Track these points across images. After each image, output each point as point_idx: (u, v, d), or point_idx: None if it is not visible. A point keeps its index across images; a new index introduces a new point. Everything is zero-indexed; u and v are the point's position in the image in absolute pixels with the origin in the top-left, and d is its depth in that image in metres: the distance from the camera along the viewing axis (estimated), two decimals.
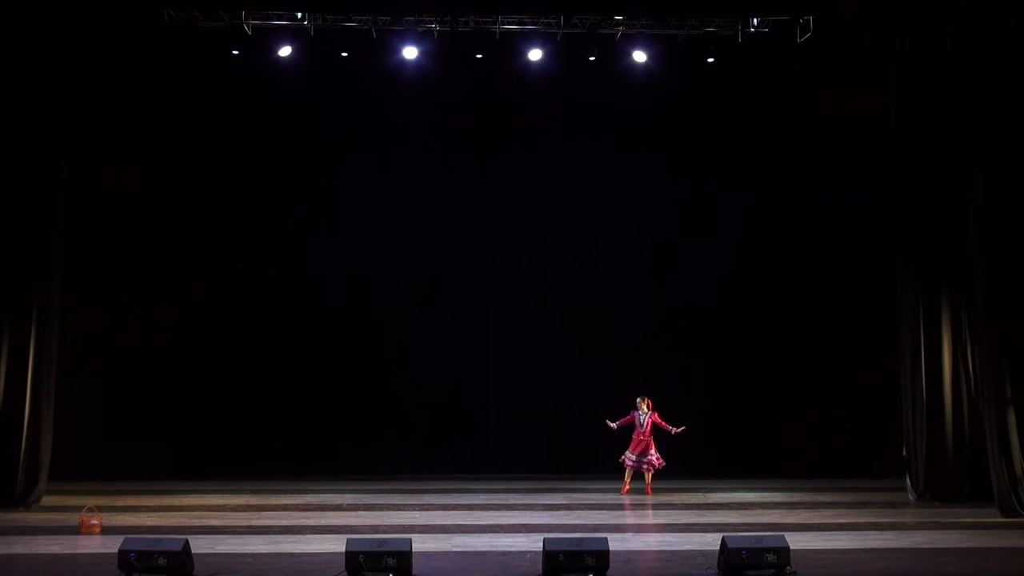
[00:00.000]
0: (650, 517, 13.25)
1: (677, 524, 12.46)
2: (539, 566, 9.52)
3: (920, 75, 14.25)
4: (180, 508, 13.60)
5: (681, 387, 17.46)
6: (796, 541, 10.02)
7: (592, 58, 16.40)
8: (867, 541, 11.16)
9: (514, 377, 17.47)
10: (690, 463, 16.83)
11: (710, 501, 14.36)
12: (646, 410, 15.33)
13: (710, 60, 16.53)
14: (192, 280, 17.23)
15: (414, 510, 13.65)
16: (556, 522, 12.52)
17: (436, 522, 12.60)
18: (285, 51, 16.16)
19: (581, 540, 9.57)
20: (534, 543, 10.42)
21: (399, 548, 9.32)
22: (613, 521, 12.61)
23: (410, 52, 16.28)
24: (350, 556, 9.25)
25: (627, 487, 15.17)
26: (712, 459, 16.96)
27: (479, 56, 16.34)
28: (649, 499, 14.70)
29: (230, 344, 17.06)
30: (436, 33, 16.10)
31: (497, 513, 13.38)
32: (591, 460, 17.10)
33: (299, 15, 15.77)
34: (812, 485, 15.63)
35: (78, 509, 12.08)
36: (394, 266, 17.52)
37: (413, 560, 9.36)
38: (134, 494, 14.63)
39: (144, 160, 17.08)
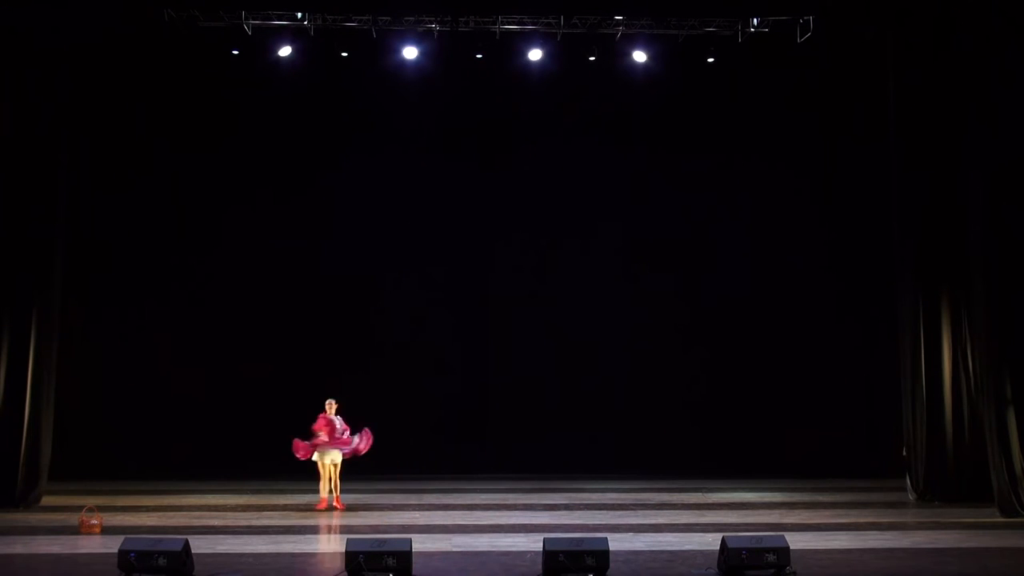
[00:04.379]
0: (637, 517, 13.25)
1: (677, 524, 12.45)
2: (539, 566, 9.52)
3: (920, 75, 14.25)
4: (180, 508, 13.60)
5: (681, 386, 17.48)
6: (796, 541, 10.02)
7: (592, 58, 16.42)
8: (867, 541, 11.16)
9: (515, 377, 17.48)
10: (690, 463, 16.87)
11: (710, 501, 14.36)
12: (333, 414, 13.83)
13: (710, 60, 16.55)
14: (192, 280, 17.23)
15: (414, 510, 13.66)
16: (556, 522, 12.52)
17: (436, 522, 12.60)
18: (285, 51, 16.18)
19: (581, 540, 9.58)
20: (534, 543, 10.42)
21: (399, 548, 9.33)
22: (613, 521, 12.61)
23: (410, 52, 16.30)
24: (350, 556, 9.25)
25: (324, 502, 13.61)
26: (712, 459, 16.97)
27: (479, 56, 16.35)
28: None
29: (230, 344, 17.07)
30: (436, 33, 16.12)
31: (497, 513, 13.38)
32: (591, 460, 17.13)
33: (299, 15, 15.80)
34: (812, 485, 15.62)
35: (78, 509, 12.08)
36: (394, 266, 17.53)
37: (413, 560, 9.36)
38: (134, 494, 14.63)
39: (143, 160, 17.08)
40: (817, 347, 17.34)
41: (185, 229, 17.22)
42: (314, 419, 13.50)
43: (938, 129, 14.14)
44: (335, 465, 13.67)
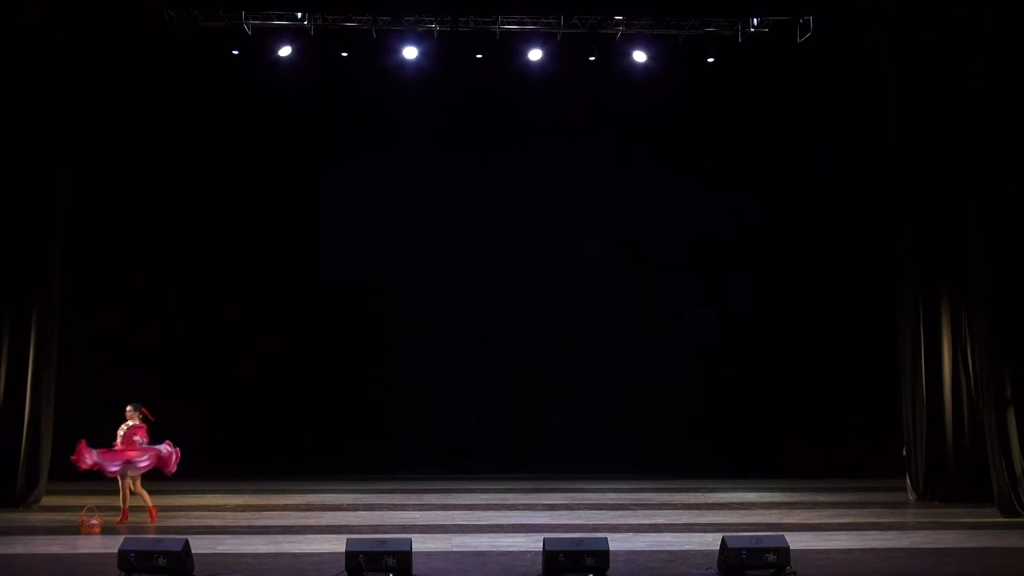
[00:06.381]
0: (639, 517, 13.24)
1: (677, 524, 12.45)
2: (539, 566, 9.53)
3: (920, 75, 14.25)
4: (180, 508, 13.59)
5: (681, 386, 17.48)
6: (796, 541, 10.02)
7: (592, 58, 16.43)
8: (867, 541, 11.16)
9: (514, 377, 17.47)
10: (690, 463, 16.86)
11: (710, 501, 14.36)
12: (135, 421, 12.44)
13: (710, 60, 16.55)
14: (192, 279, 17.21)
15: (414, 510, 13.65)
16: (556, 522, 12.51)
17: (436, 522, 12.60)
18: (285, 51, 16.18)
19: (581, 540, 9.59)
20: (534, 543, 10.42)
21: (399, 548, 9.33)
22: (613, 521, 12.61)
23: (410, 52, 16.30)
24: (350, 556, 9.26)
25: (126, 514, 12.39)
26: (712, 459, 16.97)
27: (479, 56, 16.36)
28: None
29: (230, 344, 17.06)
30: (436, 33, 16.12)
31: (497, 513, 13.38)
32: (591, 460, 17.13)
33: (299, 15, 15.80)
34: (812, 485, 15.60)
35: (78, 509, 12.09)
36: (394, 266, 17.52)
37: (413, 560, 9.37)
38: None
39: (144, 160, 17.06)
40: (817, 347, 17.34)
41: (185, 229, 17.21)
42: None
43: (938, 128, 14.14)
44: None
